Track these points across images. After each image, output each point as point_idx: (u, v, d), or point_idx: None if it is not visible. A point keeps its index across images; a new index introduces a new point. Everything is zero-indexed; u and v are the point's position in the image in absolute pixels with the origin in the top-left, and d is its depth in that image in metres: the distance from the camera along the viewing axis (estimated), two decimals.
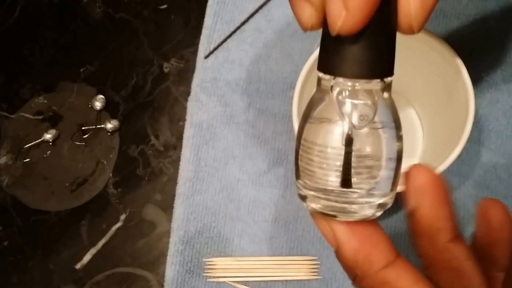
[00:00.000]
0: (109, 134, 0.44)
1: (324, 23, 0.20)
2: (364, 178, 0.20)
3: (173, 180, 0.41)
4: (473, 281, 0.19)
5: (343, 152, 0.19)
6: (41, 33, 0.47)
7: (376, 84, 0.20)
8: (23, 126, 0.45)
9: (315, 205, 0.21)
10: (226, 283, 0.39)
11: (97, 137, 0.44)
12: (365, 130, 0.20)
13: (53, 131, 0.44)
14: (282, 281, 0.38)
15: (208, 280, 0.39)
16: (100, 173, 0.43)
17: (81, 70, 0.45)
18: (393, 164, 0.20)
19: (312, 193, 0.21)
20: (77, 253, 0.41)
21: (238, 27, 0.43)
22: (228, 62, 0.43)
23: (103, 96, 0.44)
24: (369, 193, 0.20)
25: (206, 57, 0.43)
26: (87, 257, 0.41)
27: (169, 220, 0.41)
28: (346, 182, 0.20)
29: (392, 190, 0.20)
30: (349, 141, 0.19)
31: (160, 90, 0.44)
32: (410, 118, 0.39)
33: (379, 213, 0.20)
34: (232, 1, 0.44)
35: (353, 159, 0.19)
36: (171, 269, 0.39)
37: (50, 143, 0.44)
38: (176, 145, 0.43)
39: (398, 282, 0.19)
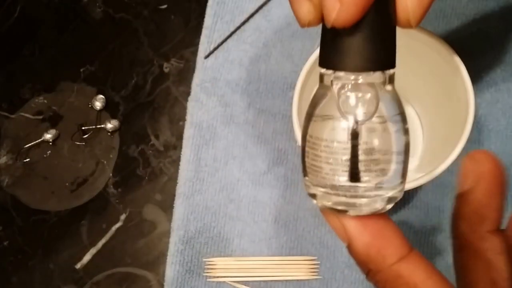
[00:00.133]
0: (109, 134, 0.44)
1: (322, 19, 0.20)
2: (372, 172, 0.20)
3: (173, 180, 0.41)
4: (500, 275, 0.19)
5: (349, 147, 0.19)
6: (41, 33, 0.47)
7: (377, 76, 0.19)
8: (23, 126, 0.45)
9: (324, 202, 0.21)
10: (226, 283, 0.39)
11: (97, 137, 0.44)
12: (370, 123, 0.19)
13: (53, 131, 0.44)
14: (282, 281, 0.38)
15: (208, 280, 0.39)
16: (100, 173, 0.43)
17: (81, 70, 0.46)
18: (400, 157, 0.20)
19: (321, 189, 0.21)
20: (77, 253, 0.41)
21: (238, 27, 0.43)
22: (228, 62, 0.43)
23: (103, 96, 0.44)
24: (378, 187, 0.20)
25: (206, 57, 0.43)
26: (87, 257, 0.41)
27: (169, 220, 0.41)
28: (354, 176, 0.19)
29: (401, 183, 0.20)
30: (354, 135, 0.19)
31: (160, 90, 0.44)
32: (410, 118, 0.39)
33: (389, 206, 0.20)
34: (232, 1, 0.44)
35: (359, 153, 0.19)
36: (171, 269, 0.39)
37: (50, 143, 0.44)
38: (176, 145, 0.43)
39: (412, 276, 0.19)
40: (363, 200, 0.20)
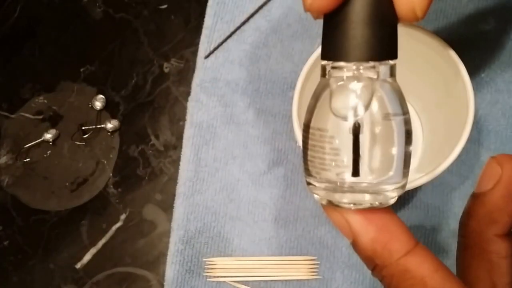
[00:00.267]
0: (109, 134, 0.44)
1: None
2: (374, 166, 0.19)
3: (173, 180, 0.41)
4: (502, 279, 0.20)
5: (351, 140, 0.19)
6: (41, 33, 0.47)
7: (378, 67, 0.19)
8: (23, 126, 0.45)
9: (327, 198, 0.20)
10: (226, 283, 0.39)
11: (97, 137, 0.44)
12: (372, 116, 0.19)
13: (53, 131, 0.44)
14: (281, 281, 0.38)
15: (208, 280, 0.39)
16: (100, 173, 0.43)
17: (81, 70, 0.46)
18: (402, 150, 0.20)
19: (323, 185, 0.20)
20: (77, 252, 0.41)
21: (238, 27, 0.43)
22: (228, 62, 0.43)
23: (103, 96, 0.44)
24: (381, 181, 0.20)
25: (206, 57, 0.43)
26: (87, 257, 0.41)
27: (169, 220, 0.41)
28: (356, 171, 0.19)
29: (404, 176, 0.20)
30: (356, 129, 0.19)
31: (160, 90, 0.44)
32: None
33: (392, 201, 0.20)
34: (232, 1, 0.44)
35: (361, 146, 0.19)
36: (171, 269, 0.39)
37: (50, 143, 0.44)
38: (176, 145, 0.43)
39: (420, 270, 0.19)
40: (366, 196, 0.20)
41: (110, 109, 0.44)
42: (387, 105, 0.20)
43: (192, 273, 0.39)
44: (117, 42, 0.46)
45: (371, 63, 0.19)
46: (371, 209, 0.20)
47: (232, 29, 0.43)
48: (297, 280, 0.38)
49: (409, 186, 0.29)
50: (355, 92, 0.19)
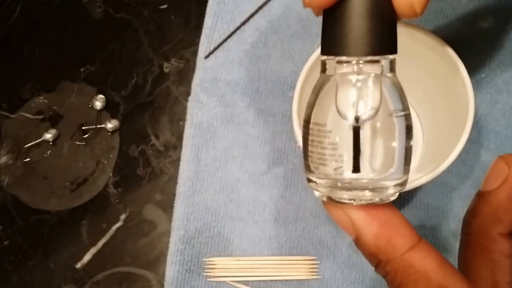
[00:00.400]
0: (109, 134, 0.44)
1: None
2: (375, 162, 0.19)
3: (173, 180, 0.41)
4: (504, 278, 0.20)
5: (351, 136, 0.19)
6: (41, 33, 0.47)
7: (377, 61, 0.19)
8: (23, 126, 0.45)
9: (327, 194, 0.20)
10: (226, 283, 0.39)
11: (97, 137, 0.44)
12: (373, 111, 0.19)
13: (53, 131, 0.44)
14: (282, 280, 0.38)
15: (208, 279, 0.39)
16: (100, 172, 0.43)
17: (81, 70, 0.46)
18: (403, 145, 0.20)
19: (324, 181, 0.20)
20: (78, 252, 0.41)
21: (238, 27, 0.43)
22: (228, 62, 0.43)
23: (103, 96, 0.44)
24: (382, 177, 0.20)
25: (206, 57, 0.43)
26: (87, 257, 0.41)
27: (169, 219, 0.41)
28: (356, 167, 0.19)
29: (404, 173, 0.20)
30: (356, 125, 0.19)
31: (160, 90, 0.44)
32: None
33: (393, 197, 0.20)
34: (232, 1, 0.44)
35: (362, 143, 0.19)
36: (171, 269, 0.39)
37: (50, 143, 0.44)
38: (176, 145, 0.43)
39: (424, 265, 0.19)
40: (367, 192, 0.20)
41: (110, 109, 0.44)
42: (388, 100, 0.19)
43: (192, 273, 0.39)
44: (117, 42, 0.46)
45: (370, 57, 0.19)
46: (373, 205, 0.20)
47: (232, 29, 0.43)
48: (297, 280, 0.38)
49: (409, 186, 0.29)
50: (354, 86, 0.19)
